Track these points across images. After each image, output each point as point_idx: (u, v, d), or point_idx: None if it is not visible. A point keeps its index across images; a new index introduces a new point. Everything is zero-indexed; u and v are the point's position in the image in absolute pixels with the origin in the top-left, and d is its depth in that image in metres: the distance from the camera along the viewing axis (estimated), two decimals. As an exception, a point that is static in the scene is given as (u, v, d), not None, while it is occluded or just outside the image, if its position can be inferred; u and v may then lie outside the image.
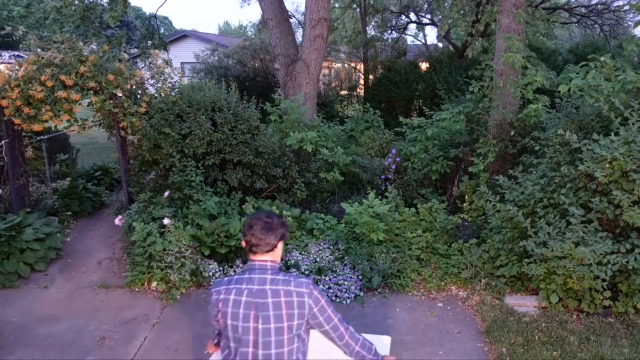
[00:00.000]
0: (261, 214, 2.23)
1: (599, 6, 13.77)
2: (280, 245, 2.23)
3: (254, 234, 2.16)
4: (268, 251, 2.18)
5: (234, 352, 2.16)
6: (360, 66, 16.87)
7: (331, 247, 5.57)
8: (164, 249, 5.14)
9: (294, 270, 5.17)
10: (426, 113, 8.05)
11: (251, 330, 2.11)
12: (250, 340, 2.11)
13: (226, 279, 2.22)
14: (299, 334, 2.16)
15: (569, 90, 5.14)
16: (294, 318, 2.11)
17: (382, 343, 3.21)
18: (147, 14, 39.38)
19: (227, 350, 2.22)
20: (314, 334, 2.36)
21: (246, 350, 2.12)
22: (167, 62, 9.27)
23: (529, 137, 5.63)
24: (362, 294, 5.00)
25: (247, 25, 52.23)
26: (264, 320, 2.09)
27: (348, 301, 4.88)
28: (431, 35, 59.85)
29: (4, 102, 5.51)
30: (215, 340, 2.51)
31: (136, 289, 5.17)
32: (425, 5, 16.60)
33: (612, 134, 4.43)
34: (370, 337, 3.34)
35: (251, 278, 2.15)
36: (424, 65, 14.84)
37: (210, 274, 5.23)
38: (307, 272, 5.19)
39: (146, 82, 6.52)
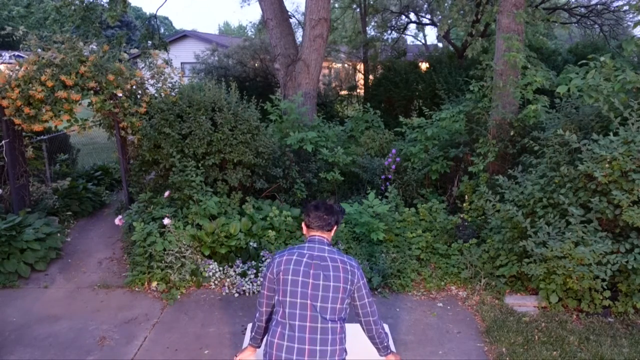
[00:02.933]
0: (324, 201, 2.71)
1: (598, 6, 13.77)
2: (335, 227, 2.64)
3: (319, 215, 2.57)
4: (328, 230, 2.58)
5: (289, 306, 2.40)
6: (360, 66, 16.87)
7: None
8: (164, 249, 5.15)
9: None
10: (426, 113, 8.05)
11: (310, 285, 2.40)
12: (309, 293, 2.40)
13: (288, 248, 2.57)
14: (347, 300, 2.47)
15: (568, 91, 5.15)
16: (347, 282, 2.44)
17: None
18: (147, 14, 39.40)
19: (280, 309, 2.45)
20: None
21: (305, 302, 2.39)
22: (167, 62, 9.30)
23: (529, 137, 5.63)
24: (362, 293, 5.01)
25: (247, 25, 52.19)
26: (325, 278, 2.41)
27: (348, 301, 4.89)
28: (431, 35, 59.88)
29: (5, 102, 5.52)
30: (261, 321, 2.65)
31: (136, 289, 5.17)
32: (425, 5, 16.59)
33: (612, 134, 4.43)
34: None
35: (312, 247, 2.52)
36: (424, 65, 14.84)
37: (210, 274, 5.23)
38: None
39: (146, 82, 6.52)
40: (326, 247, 2.53)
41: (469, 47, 10.82)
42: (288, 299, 2.41)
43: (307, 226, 2.62)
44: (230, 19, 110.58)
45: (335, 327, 2.41)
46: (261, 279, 2.57)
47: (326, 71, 17.14)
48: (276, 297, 2.48)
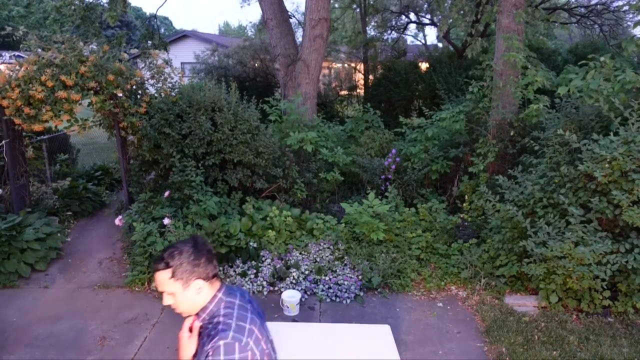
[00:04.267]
0: (188, 241, 1.90)
1: (598, 6, 13.77)
2: None
3: (214, 255, 1.93)
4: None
5: None
6: (360, 66, 16.87)
7: (331, 247, 5.58)
8: (164, 249, 5.14)
9: (294, 270, 5.17)
10: (426, 113, 8.06)
11: (271, 344, 1.99)
12: (274, 355, 1.98)
13: (233, 325, 1.80)
14: None
15: (568, 92, 5.15)
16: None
17: (382, 332, 3.22)
18: (147, 14, 39.41)
19: None
20: None
21: None
22: (167, 62, 9.27)
23: (529, 137, 5.63)
24: (362, 293, 5.01)
25: (247, 25, 52.17)
26: (265, 328, 1.99)
27: (348, 301, 4.89)
28: (431, 35, 59.89)
29: (5, 102, 5.52)
30: None
31: (136, 289, 5.17)
32: (425, 5, 16.59)
33: (612, 134, 4.43)
34: (369, 327, 3.37)
35: (240, 305, 1.91)
36: (424, 66, 14.85)
37: (211, 273, 5.23)
38: (307, 272, 5.19)
39: (146, 82, 6.52)
40: (239, 294, 1.97)
41: (469, 47, 10.83)
42: None
43: (212, 277, 1.88)
44: (230, 19, 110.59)
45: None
46: None
47: (326, 71, 17.14)
48: None
